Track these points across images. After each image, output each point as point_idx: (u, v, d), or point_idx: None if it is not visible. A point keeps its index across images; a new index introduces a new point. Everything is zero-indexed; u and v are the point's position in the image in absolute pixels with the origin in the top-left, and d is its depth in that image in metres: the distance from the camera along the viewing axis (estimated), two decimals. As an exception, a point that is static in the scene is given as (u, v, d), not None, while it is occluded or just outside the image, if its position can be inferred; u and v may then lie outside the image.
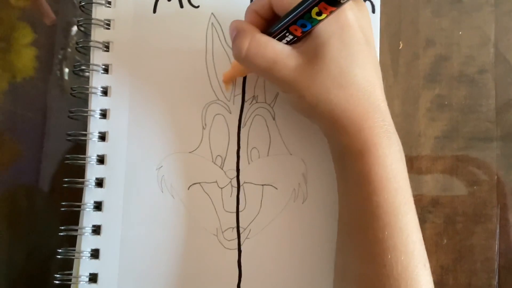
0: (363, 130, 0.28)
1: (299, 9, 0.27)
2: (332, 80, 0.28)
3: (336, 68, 0.28)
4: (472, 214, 0.36)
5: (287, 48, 0.28)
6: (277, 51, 0.28)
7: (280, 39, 0.29)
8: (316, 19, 0.27)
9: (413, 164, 0.37)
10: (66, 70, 0.38)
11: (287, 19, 0.27)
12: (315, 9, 0.26)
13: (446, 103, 0.37)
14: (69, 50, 0.37)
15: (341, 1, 0.25)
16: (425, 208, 0.36)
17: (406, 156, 0.29)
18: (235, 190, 0.35)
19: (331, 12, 0.26)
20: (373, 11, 0.36)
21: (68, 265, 0.34)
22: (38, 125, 0.37)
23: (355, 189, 0.29)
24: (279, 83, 0.29)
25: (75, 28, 0.38)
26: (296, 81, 0.28)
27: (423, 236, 0.28)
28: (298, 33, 0.28)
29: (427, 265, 0.28)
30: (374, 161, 0.28)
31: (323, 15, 0.26)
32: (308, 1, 0.26)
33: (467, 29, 0.38)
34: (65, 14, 0.38)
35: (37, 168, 0.37)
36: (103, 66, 0.35)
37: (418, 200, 0.36)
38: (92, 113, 0.35)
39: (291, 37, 0.28)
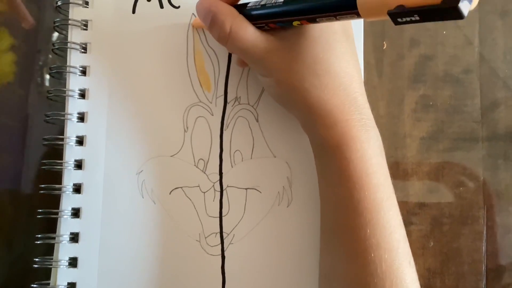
0: (340, 123, 0.27)
1: (280, 18, 0.27)
2: (307, 67, 0.28)
3: (312, 56, 0.28)
4: (458, 216, 0.36)
5: (265, 33, 0.29)
6: (257, 35, 0.28)
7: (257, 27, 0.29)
8: (295, 26, 0.27)
9: (399, 166, 0.36)
10: (47, 76, 0.37)
11: (266, 16, 0.28)
12: (296, 22, 0.27)
13: (431, 103, 0.37)
14: (51, 56, 0.36)
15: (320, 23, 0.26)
16: (411, 210, 0.36)
17: (391, 158, 0.29)
18: (218, 194, 0.34)
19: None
20: (357, 11, 0.36)
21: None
22: (20, 131, 0.36)
23: (334, 185, 0.28)
24: (257, 65, 0.29)
25: (56, 34, 0.37)
26: (273, 65, 0.28)
27: (409, 239, 0.28)
28: (276, 28, 0.28)
29: (412, 262, 0.27)
30: (353, 155, 0.27)
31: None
32: (290, 17, 0.26)
33: (451, 29, 0.38)
34: (46, 19, 0.37)
35: (20, 174, 0.36)
36: (81, 68, 0.34)
37: (404, 202, 0.36)
38: (69, 116, 0.34)
39: (267, 28, 0.29)
